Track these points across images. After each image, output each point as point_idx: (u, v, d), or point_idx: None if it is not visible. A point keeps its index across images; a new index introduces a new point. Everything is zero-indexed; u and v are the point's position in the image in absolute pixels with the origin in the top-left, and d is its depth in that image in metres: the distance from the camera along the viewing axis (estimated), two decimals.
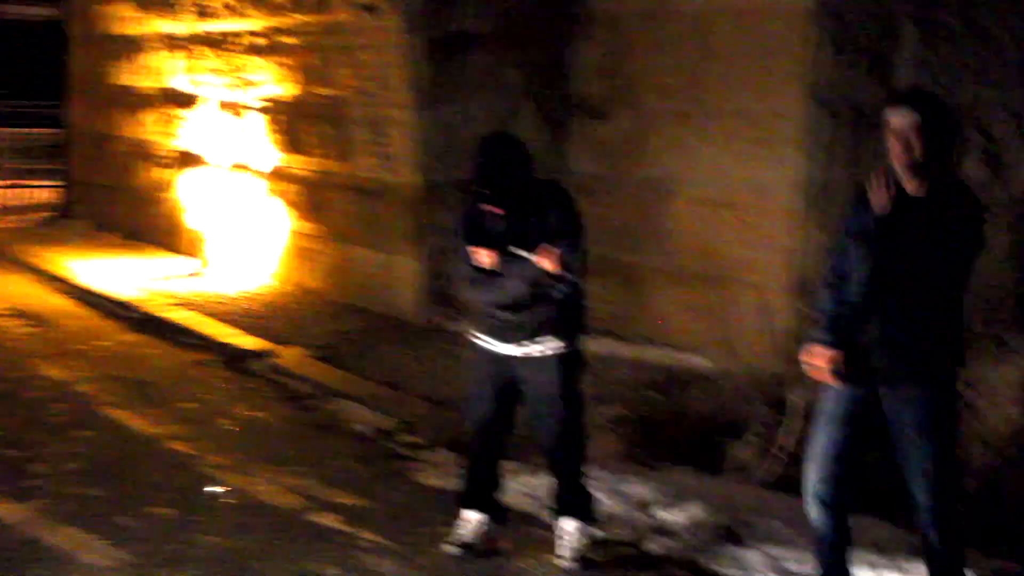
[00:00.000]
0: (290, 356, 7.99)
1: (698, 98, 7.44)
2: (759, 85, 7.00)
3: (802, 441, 4.65)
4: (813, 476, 4.08)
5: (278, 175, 10.38)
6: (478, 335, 4.75)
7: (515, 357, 4.62)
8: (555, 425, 4.62)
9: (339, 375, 7.53)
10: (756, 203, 7.03)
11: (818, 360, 4.00)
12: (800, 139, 6.77)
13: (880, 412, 3.98)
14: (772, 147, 6.92)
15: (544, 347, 4.59)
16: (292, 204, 10.23)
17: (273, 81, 10.17)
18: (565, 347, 4.61)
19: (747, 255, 7.09)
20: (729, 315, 7.16)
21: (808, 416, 4.80)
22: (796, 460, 4.55)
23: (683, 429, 5.72)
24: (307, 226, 10.03)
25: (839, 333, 3.98)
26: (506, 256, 4.50)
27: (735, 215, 7.18)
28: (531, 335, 4.58)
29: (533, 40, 8.58)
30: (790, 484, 4.75)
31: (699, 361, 6.94)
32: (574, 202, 4.64)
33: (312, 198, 9.94)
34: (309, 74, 9.63)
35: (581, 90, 8.42)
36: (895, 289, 3.87)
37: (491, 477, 4.81)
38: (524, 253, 4.45)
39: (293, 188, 10.17)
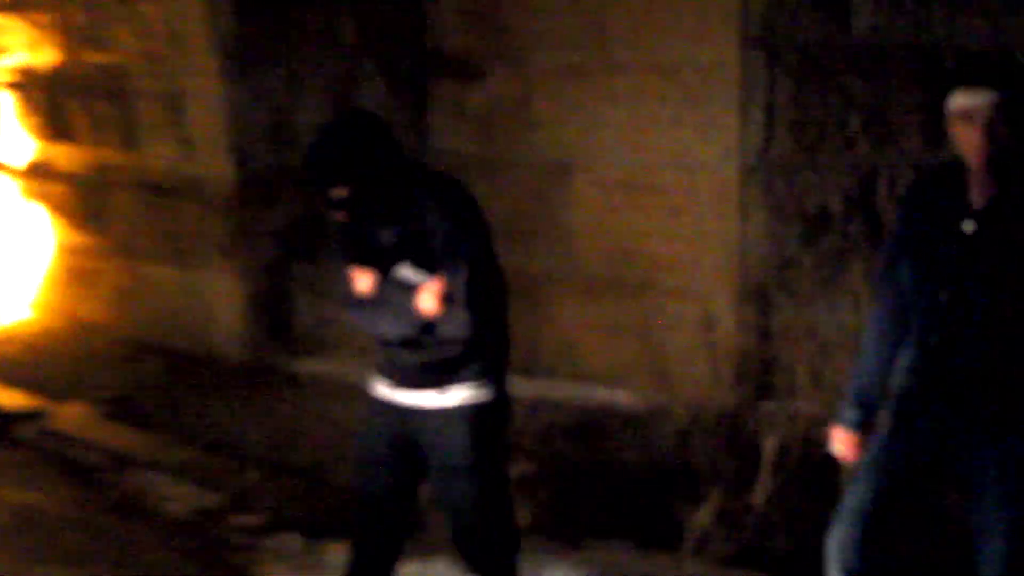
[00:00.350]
0: (70, 416, 7.85)
1: (599, 48, 7.45)
2: (679, 27, 7.03)
3: (776, 498, 4.64)
4: (839, 541, 4.06)
5: (37, 172, 10.17)
6: (373, 376, 4.51)
7: (413, 410, 4.37)
8: (467, 510, 4.36)
9: (140, 438, 7.41)
10: (681, 182, 7.07)
11: (841, 445, 4.11)
12: (733, 95, 6.82)
13: (944, 468, 4.01)
14: (698, 107, 6.97)
15: (448, 396, 4.33)
16: (59, 210, 10.03)
17: (23, 45, 9.94)
18: (477, 397, 4.34)
19: (674, 252, 7.12)
20: (656, 333, 7.17)
21: (780, 464, 4.81)
22: (768, 526, 4.54)
23: (611, 490, 5.70)
24: (81, 239, 9.84)
25: (868, 406, 4.07)
26: (389, 280, 4.28)
27: (655, 200, 7.20)
28: (432, 380, 4.33)
29: None
30: (763, 558, 4.72)
31: (622, 397, 6.95)
32: (467, 201, 4.35)
33: (87, 201, 9.76)
34: (74, 34, 9.44)
35: (442, 43, 8.38)
36: (977, 316, 3.87)
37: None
38: (411, 276, 4.22)
39: (59, 189, 9.98)
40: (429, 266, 4.21)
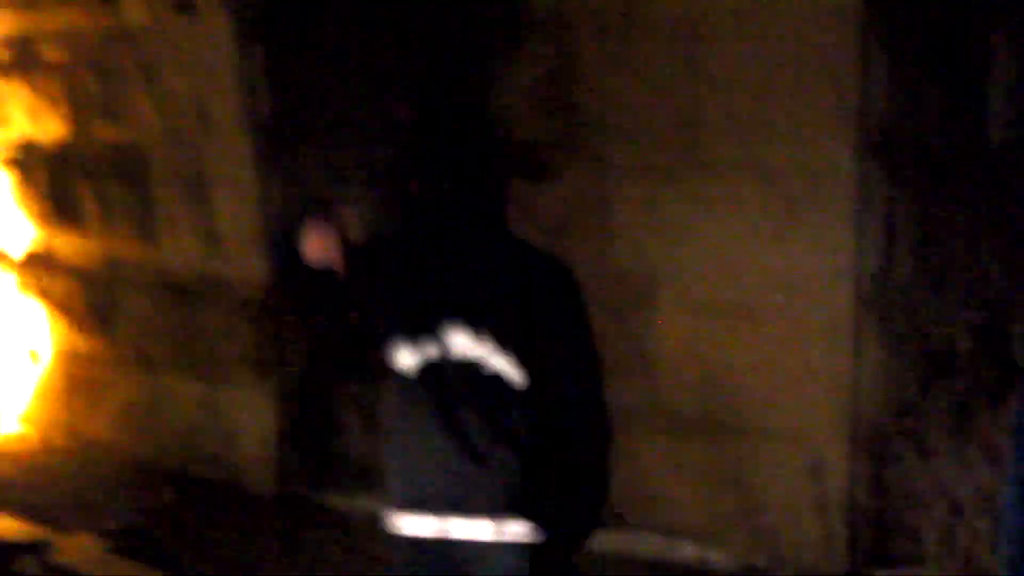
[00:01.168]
0: (76, 549, 7.95)
1: (691, 146, 7.53)
2: (785, 126, 7.10)
3: None
4: None
5: (37, 263, 10.38)
6: (396, 513, 4.15)
7: (453, 546, 4.05)
8: None
9: None
10: (785, 308, 7.15)
11: None
12: (847, 209, 6.91)
13: None
14: (806, 221, 7.04)
15: (500, 530, 4.05)
16: (61, 308, 10.23)
17: (26, 115, 10.18)
18: (534, 536, 4.05)
19: (775, 389, 7.21)
20: (754, 483, 7.26)
21: None
22: None
23: None
24: (87, 343, 10.02)
25: None
26: (444, 358, 4.02)
27: (753, 327, 7.28)
28: (483, 506, 4.04)
29: (437, 61, 8.67)
30: None
31: (715, 556, 7.00)
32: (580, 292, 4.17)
33: (94, 300, 9.95)
34: (86, 105, 9.64)
35: (510, 133, 8.49)
36: None
37: None
38: (477, 347, 3.98)
39: (62, 284, 10.19)
40: (506, 340, 3.97)
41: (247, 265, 8.68)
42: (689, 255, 7.55)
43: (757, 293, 7.30)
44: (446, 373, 3.98)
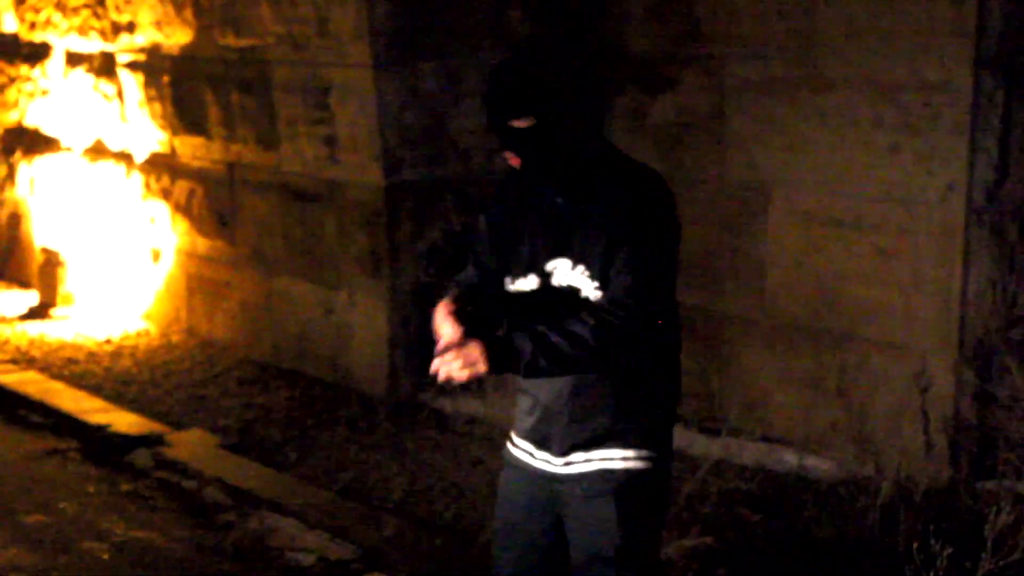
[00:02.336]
0: (189, 444, 8.07)
1: (806, 59, 7.49)
2: (901, 40, 7.03)
3: None
4: None
5: (161, 166, 10.51)
6: (512, 436, 4.33)
7: (554, 477, 4.15)
8: None
9: (265, 475, 7.59)
10: (896, 220, 7.09)
11: None
12: (962, 122, 6.83)
13: None
14: (920, 134, 6.98)
15: (593, 462, 4.10)
16: (182, 211, 10.36)
17: (152, 22, 10.26)
18: (633, 464, 4.10)
19: (884, 300, 7.15)
20: (860, 392, 7.21)
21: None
22: None
23: (801, 570, 5.72)
24: (207, 245, 10.14)
25: None
26: (541, 277, 4.05)
27: (864, 238, 7.23)
28: (578, 440, 4.10)
29: None
30: None
31: (817, 464, 6.99)
32: (668, 200, 4.04)
33: (215, 203, 10.05)
34: (210, 13, 9.72)
35: (625, 43, 8.46)
36: None
37: None
38: (577, 280, 3.97)
39: (184, 186, 10.31)
40: (596, 269, 3.95)
41: (363, 170, 8.71)
42: (803, 167, 7.52)
43: (869, 205, 7.24)
44: (548, 300, 4.03)
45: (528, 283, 4.05)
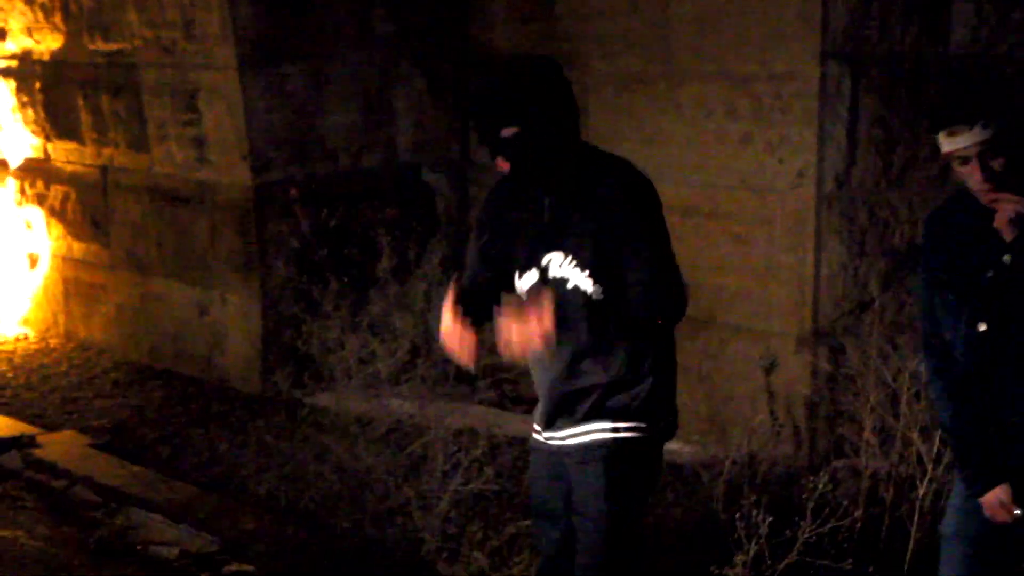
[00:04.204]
0: (60, 445, 7.96)
1: (662, 53, 7.53)
2: (752, 33, 7.10)
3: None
4: None
5: (35, 171, 10.40)
6: (533, 423, 4.60)
7: (561, 450, 4.44)
8: (589, 558, 4.42)
9: (134, 472, 7.51)
10: (750, 208, 7.16)
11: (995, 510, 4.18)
12: (811, 111, 6.89)
13: None
14: (771, 124, 7.04)
15: (589, 434, 4.36)
16: (56, 216, 10.26)
17: (22, 28, 10.15)
18: (620, 433, 4.33)
19: (740, 286, 7.22)
20: (721, 377, 7.26)
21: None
22: None
23: (655, 548, 5.77)
24: (83, 248, 10.04)
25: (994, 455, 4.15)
26: (539, 271, 4.31)
27: (720, 226, 7.30)
28: (576, 417, 4.37)
29: None
30: None
31: (680, 448, 7.02)
32: (652, 190, 4.31)
33: (89, 206, 9.96)
34: (78, 17, 9.61)
35: (489, 41, 8.48)
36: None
37: None
38: (572, 275, 4.21)
39: (59, 191, 10.20)
40: (584, 259, 4.18)
41: (232, 171, 8.67)
42: (662, 159, 7.54)
43: (725, 194, 7.31)
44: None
45: (531, 277, 4.31)
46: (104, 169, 9.74)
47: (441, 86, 8.87)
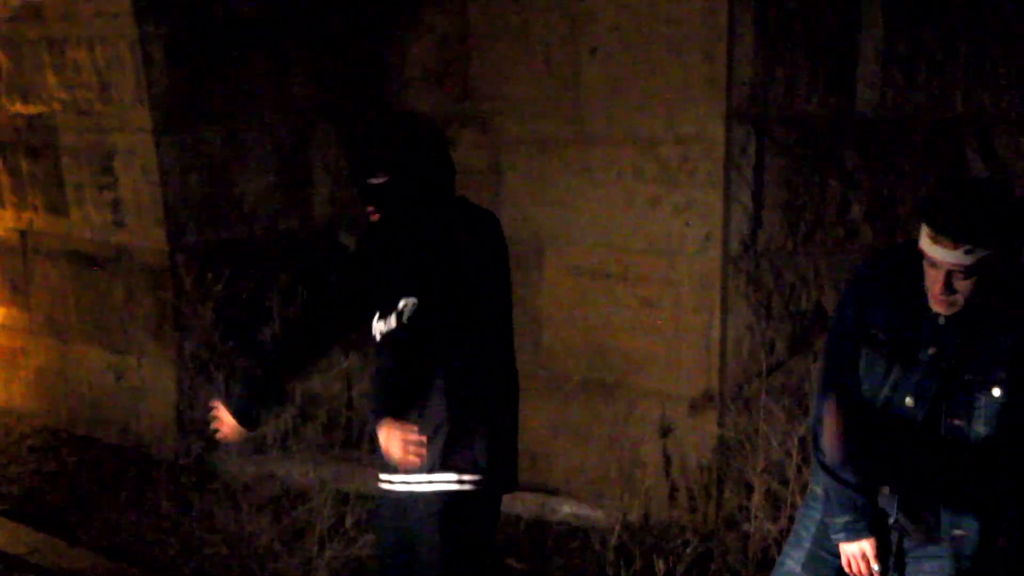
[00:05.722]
0: None
1: (573, 116, 7.53)
2: (658, 96, 7.10)
3: None
4: None
5: None
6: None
7: (397, 497, 4.50)
8: None
9: (39, 540, 7.44)
10: (658, 270, 7.15)
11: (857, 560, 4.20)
12: (717, 173, 6.89)
13: None
14: (678, 186, 7.05)
15: (430, 480, 4.40)
16: None
17: None
18: (454, 483, 4.39)
19: (649, 349, 7.21)
20: (629, 441, 7.23)
21: None
22: None
23: None
24: (2, 313, 9.98)
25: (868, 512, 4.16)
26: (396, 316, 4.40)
27: (630, 289, 7.28)
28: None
29: (335, 32, 8.69)
30: None
31: (589, 513, 7.03)
32: (501, 243, 4.54)
33: (8, 270, 9.88)
34: None
35: (404, 104, 8.46)
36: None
37: None
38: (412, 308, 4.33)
39: None
40: (434, 305, 4.29)
41: (148, 234, 8.62)
42: (572, 221, 7.56)
43: (635, 256, 7.30)
44: (394, 342, 4.37)
45: (389, 323, 4.36)
46: (24, 233, 9.66)
47: None
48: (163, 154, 8.43)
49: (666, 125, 7.06)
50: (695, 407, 6.93)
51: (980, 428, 3.87)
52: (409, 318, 4.28)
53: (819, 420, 4.22)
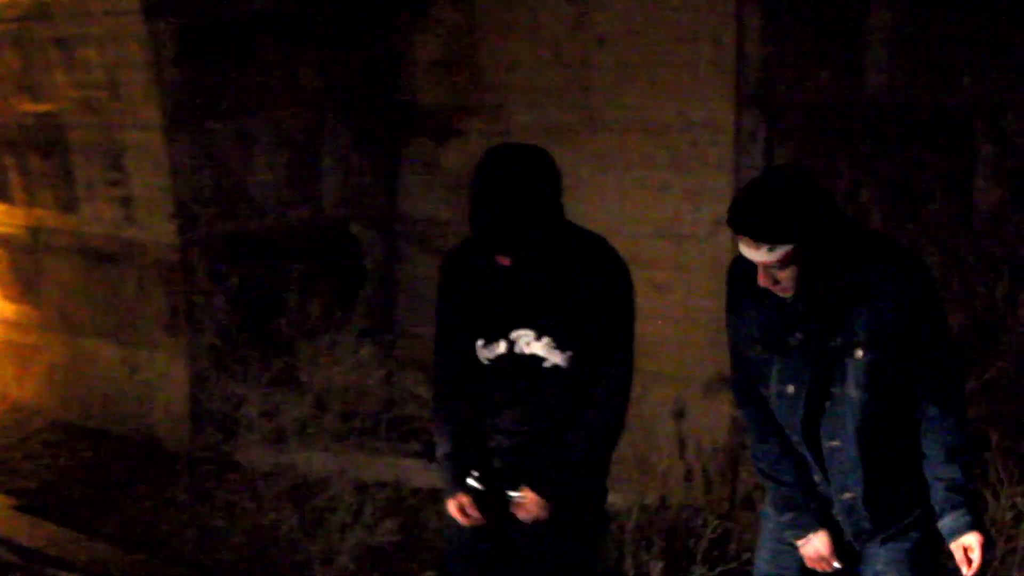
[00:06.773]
0: None
1: (582, 104, 7.56)
2: (668, 83, 7.14)
3: None
4: None
5: None
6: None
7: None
8: None
9: (55, 533, 7.46)
10: (669, 255, 7.17)
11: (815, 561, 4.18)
12: (727, 158, 6.90)
13: None
14: (688, 172, 7.08)
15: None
16: None
17: None
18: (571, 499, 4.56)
19: (661, 333, 7.18)
20: (643, 425, 7.21)
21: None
22: None
23: None
24: (14, 309, 9.97)
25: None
26: (510, 353, 4.41)
27: (641, 274, 7.19)
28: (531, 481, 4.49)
29: (344, 25, 8.70)
30: None
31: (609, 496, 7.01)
32: (624, 275, 4.64)
33: (18, 267, 9.90)
34: (7, 80, 9.56)
35: (415, 97, 8.49)
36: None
37: None
38: (539, 350, 4.38)
39: None
40: (557, 337, 4.35)
41: (159, 229, 8.63)
42: (584, 208, 7.46)
43: (645, 242, 7.30)
44: (511, 365, 4.40)
45: (498, 348, 4.39)
46: (35, 230, 9.67)
47: (368, 140, 8.85)
48: (173, 149, 8.45)
49: (675, 111, 7.10)
50: (708, 389, 6.94)
51: (852, 391, 3.91)
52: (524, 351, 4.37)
53: (747, 429, 4.34)
